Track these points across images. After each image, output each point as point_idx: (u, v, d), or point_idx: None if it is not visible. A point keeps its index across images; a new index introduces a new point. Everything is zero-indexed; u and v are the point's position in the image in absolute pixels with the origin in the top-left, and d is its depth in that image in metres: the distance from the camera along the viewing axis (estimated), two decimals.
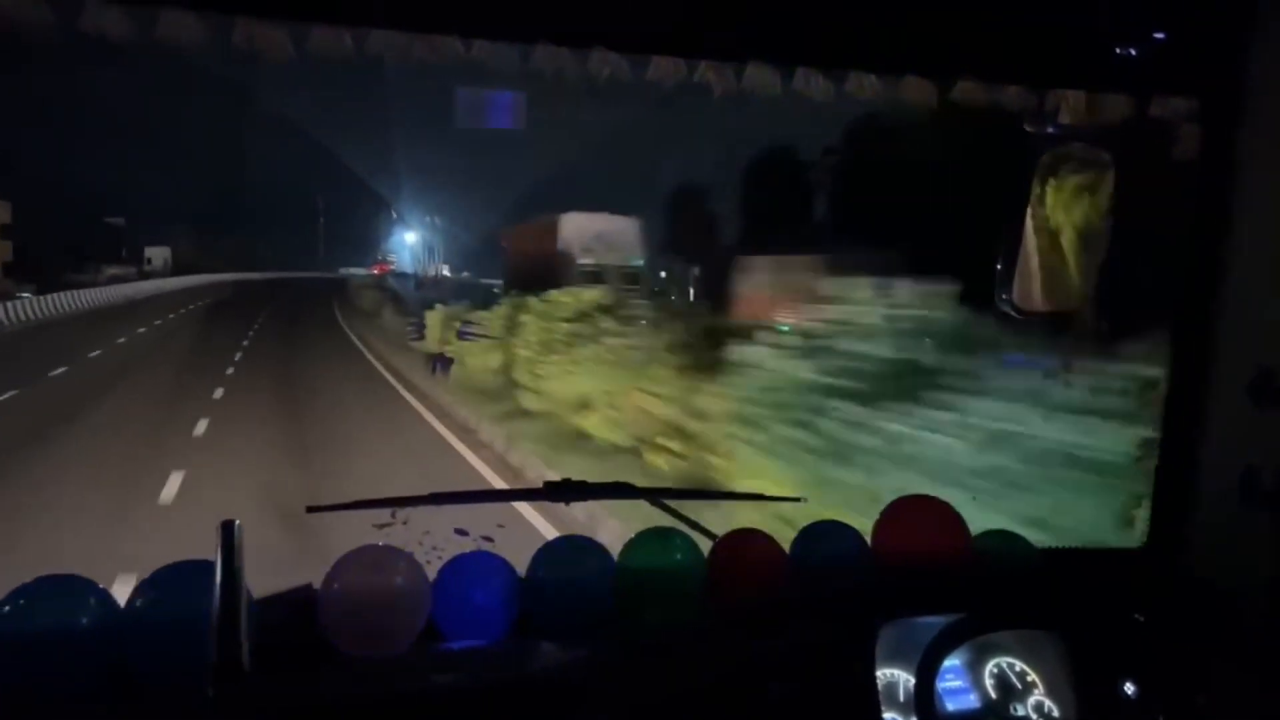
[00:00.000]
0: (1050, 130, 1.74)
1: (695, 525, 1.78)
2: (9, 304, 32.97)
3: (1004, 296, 1.81)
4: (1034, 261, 1.81)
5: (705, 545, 1.70)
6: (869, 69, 1.57)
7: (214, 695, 0.93)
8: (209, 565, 1.02)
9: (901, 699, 1.47)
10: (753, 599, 1.55)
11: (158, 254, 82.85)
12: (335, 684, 1.35)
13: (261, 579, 1.37)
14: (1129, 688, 1.49)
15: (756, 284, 12.37)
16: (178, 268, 76.78)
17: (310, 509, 1.74)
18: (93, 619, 1.28)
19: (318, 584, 1.45)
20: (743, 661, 1.39)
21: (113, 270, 61.44)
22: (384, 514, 1.78)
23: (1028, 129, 1.74)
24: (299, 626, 1.41)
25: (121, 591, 1.31)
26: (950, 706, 1.52)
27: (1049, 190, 1.79)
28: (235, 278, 72.99)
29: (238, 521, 0.96)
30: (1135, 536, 1.87)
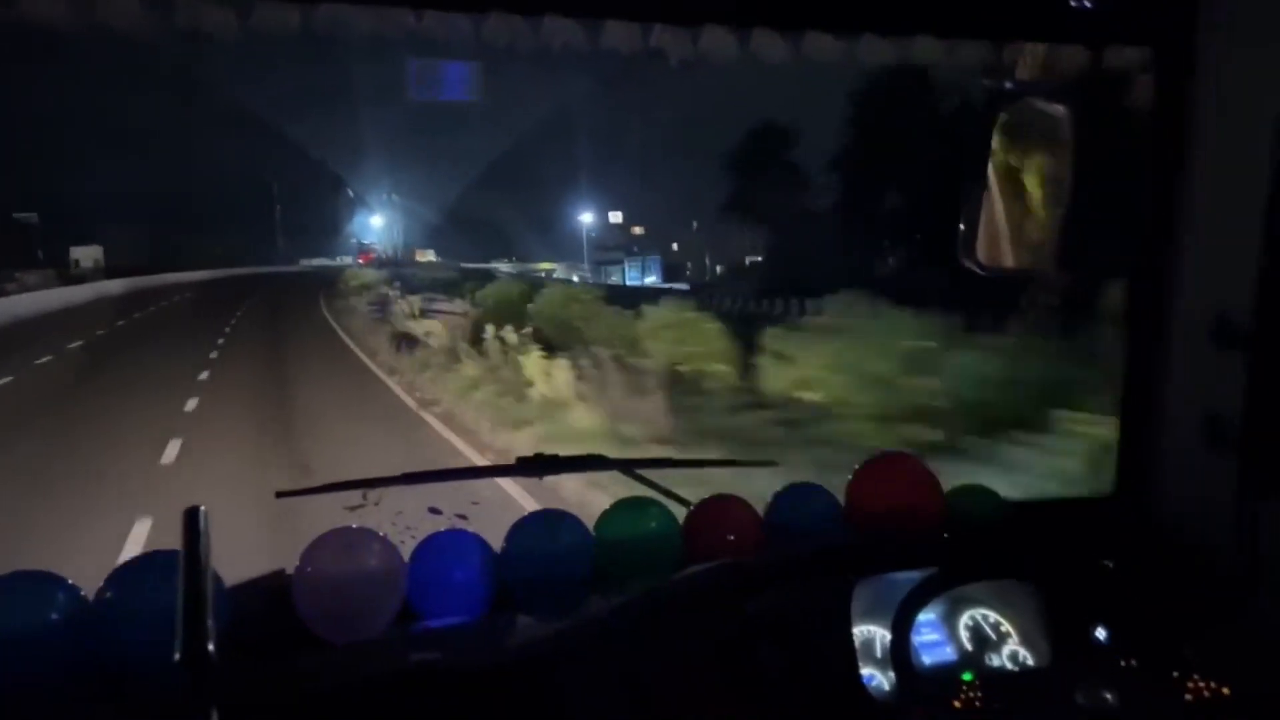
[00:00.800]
0: (1008, 85, 1.74)
1: (669, 493, 1.79)
2: None
3: (968, 255, 1.81)
4: (998, 219, 1.81)
5: (680, 513, 1.70)
6: (825, 28, 1.56)
7: (183, 686, 0.91)
8: (177, 555, 1.00)
9: (879, 654, 1.48)
10: (729, 564, 1.56)
11: (86, 254, 70.97)
12: (312, 668, 1.34)
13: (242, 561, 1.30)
14: (1100, 633, 1.51)
15: None
16: (111, 270, 62.50)
17: (280, 494, 1.72)
18: (61, 613, 1.26)
19: (290, 569, 1.44)
20: (721, 626, 1.40)
21: (31, 276, 47.92)
22: (355, 496, 1.76)
23: (986, 84, 1.74)
24: (274, 612, 1.40)
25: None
26: (927, 660, 1.54)
27: (1009, 146, 1.79)
28: (179, 279, 59.97)
29: (203, 508, 0.94)
30: (1104, 484, 1.89)
